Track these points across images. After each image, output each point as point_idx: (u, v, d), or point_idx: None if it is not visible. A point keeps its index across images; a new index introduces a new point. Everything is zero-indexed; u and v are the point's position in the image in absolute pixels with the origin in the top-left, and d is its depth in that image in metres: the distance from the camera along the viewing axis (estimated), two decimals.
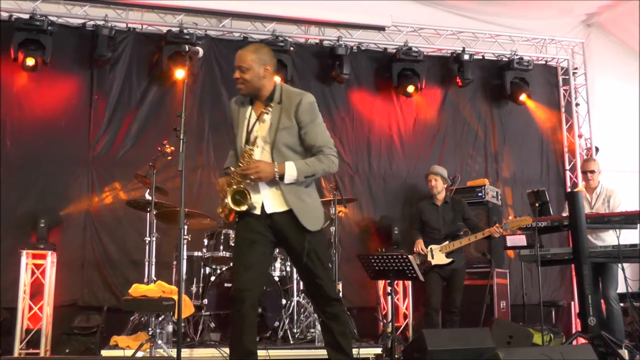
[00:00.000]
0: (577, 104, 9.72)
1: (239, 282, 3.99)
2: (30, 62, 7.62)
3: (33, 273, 7.20)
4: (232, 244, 6.64)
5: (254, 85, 4.15)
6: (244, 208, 4.01)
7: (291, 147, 4.04)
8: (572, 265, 7.44)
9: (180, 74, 7.97)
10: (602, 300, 6.71)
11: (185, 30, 8.12)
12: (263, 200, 4.04)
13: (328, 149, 4.05)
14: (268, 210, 4.02)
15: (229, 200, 4.00)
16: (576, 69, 9.83)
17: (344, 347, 4.08)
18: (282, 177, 3.94)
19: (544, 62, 9.80)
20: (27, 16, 7.70)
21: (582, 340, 6.26)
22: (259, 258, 4.05)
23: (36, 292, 7.21)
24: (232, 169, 4.07)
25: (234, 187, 4.02)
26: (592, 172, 7.16)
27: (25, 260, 7.05)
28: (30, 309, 7.15)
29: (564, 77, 9.82)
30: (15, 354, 6.77)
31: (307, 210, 4.03)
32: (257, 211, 4.04)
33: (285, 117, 4.04)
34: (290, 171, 3.94)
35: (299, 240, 4.00)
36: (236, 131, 4.16)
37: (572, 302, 8.84)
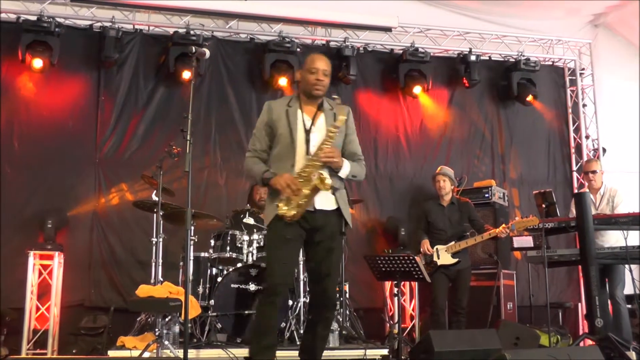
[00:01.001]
0: (584, 105, 9.70)
1: (274, 277, 4.23)
2: (37, 63, 7.65)
3: (40, 273, 7.24)
4: (239, 245, 6.64)
5: (326, 90, 4.40)
6: (328, 188, 4.14)
7: (337, 148, 4.32)
8: (579, 267, 7.42)
9: (187, 75, 7.98)
10: (609, 300, 6.68)
11: (192, 32, 8.13)
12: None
13: (364, 160, 4.52)
14: (317, 207, 4.25)
15: (316, 181, 4.10)
16: (583, 69, 9.81)
17: (317, 351, 4.40)
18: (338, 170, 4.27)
19: (550, 63, 9.79)
20: (34, 18, 7.72)
21: (589, 342, 6.24)
22: (293, 255, 4.46)
23: (43, 292, 7.25)
24: (309, 157, 4.22)
25: (317, 175, 4.14)
26: (594, 172, 7.11)
27: (33, 260, 7.08)
28: (38, 309, 7.18)
29: (571, 77, 9.81)
30: (23, 354, 6.78)
31: (347, 213, 4.38)
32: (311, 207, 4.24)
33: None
34: (346, 166, 4.30)
35: (334, 238, 4.32)
36: (282, 130, 4.30)
37: (580, 304, 8.82)
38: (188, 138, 4.22)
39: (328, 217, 4.29)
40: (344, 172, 4.29)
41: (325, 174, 4.14)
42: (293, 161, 4.24)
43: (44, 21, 7.67)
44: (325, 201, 4.27)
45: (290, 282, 4.45)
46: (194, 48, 4.55)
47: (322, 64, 4.35)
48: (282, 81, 8.30)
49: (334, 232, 4.32)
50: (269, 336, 4.24)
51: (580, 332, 8.26)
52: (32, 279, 7.09)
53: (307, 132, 4.30)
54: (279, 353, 5.59)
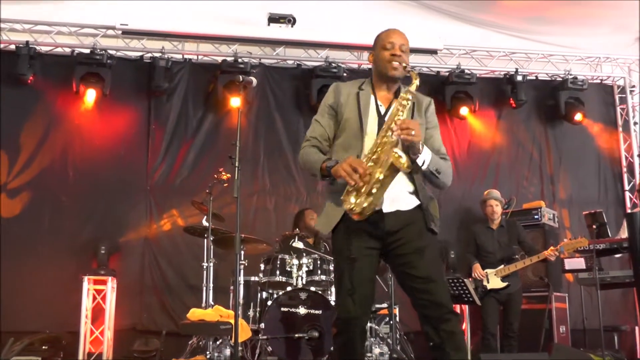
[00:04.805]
0: (635, 123, 9.52)
1: (341, 310, 3.45)
2: (90, 94, 7.93)
3: (94, 298, 7.40)
4: (288, 269, 6.67)
5: (405, 71, 3.64)
6: (407, 167, 3.24)
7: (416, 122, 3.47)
8: (635, 289, 7.25)
9: (235, 102, 8.11)
10: None
11: (239, 60, 8.28)
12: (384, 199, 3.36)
13: (449, 161, 3.67)
14: (386, 210, 3.40)
15: (392, 157, 3.21)
16: (634, 86, 9.63)
17: None
18: (415, 157, 3.38)
19: (599, 81, 9.66)
20: (87, 51, 7.99)
21: None
22: (363, 277, 3.41)
23: (97, 316, 7.41)
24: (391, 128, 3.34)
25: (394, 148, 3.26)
26: None
27: (87, 285, 7.26)
28: (92, 333, 7.35)
29: (620, 95, 9.65)
30: None
31: (434, 209, 3.54)
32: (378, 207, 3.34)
33: (417, 113, 3.61)
34: (426, 152, 3.42)
35: (421, 236, 3.42)
36: (349, 115, 3.55)
37: (636, 327, 8.58)
38: (236, 165, 4.27)
39: (406, 216, 3.43)
40: (425, 157, 3.38)
41: (400, 152, 3.21)
42: (360, 152, 3.43)
43: (96, 54, 7.92)
44: (399, 200, 3.43)
45: (365, 311, 3.43)
46: (241, 77, 4.62)
47: (398, 38, 3.68)
48: None
49: (419, 230, 3.42)
50: None
51: (638, 357, 8.04)
52: (87, 304, 7.26)
53: (381, 118, 3.51)
54: None
